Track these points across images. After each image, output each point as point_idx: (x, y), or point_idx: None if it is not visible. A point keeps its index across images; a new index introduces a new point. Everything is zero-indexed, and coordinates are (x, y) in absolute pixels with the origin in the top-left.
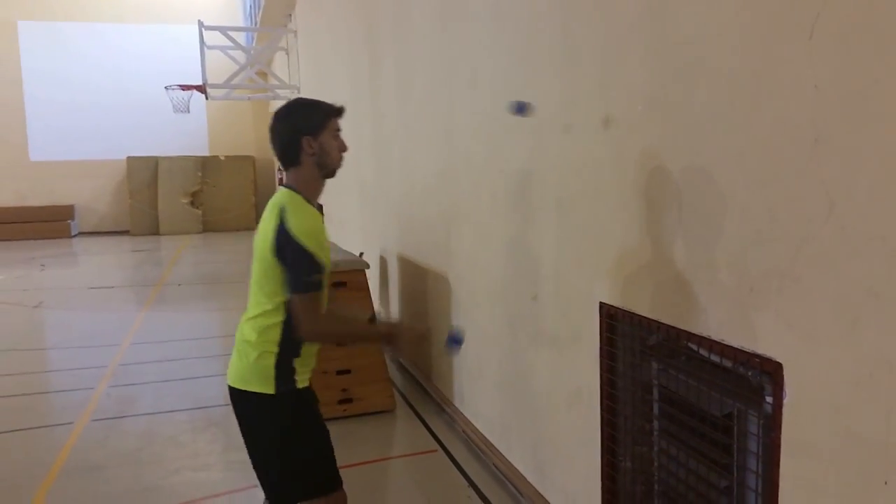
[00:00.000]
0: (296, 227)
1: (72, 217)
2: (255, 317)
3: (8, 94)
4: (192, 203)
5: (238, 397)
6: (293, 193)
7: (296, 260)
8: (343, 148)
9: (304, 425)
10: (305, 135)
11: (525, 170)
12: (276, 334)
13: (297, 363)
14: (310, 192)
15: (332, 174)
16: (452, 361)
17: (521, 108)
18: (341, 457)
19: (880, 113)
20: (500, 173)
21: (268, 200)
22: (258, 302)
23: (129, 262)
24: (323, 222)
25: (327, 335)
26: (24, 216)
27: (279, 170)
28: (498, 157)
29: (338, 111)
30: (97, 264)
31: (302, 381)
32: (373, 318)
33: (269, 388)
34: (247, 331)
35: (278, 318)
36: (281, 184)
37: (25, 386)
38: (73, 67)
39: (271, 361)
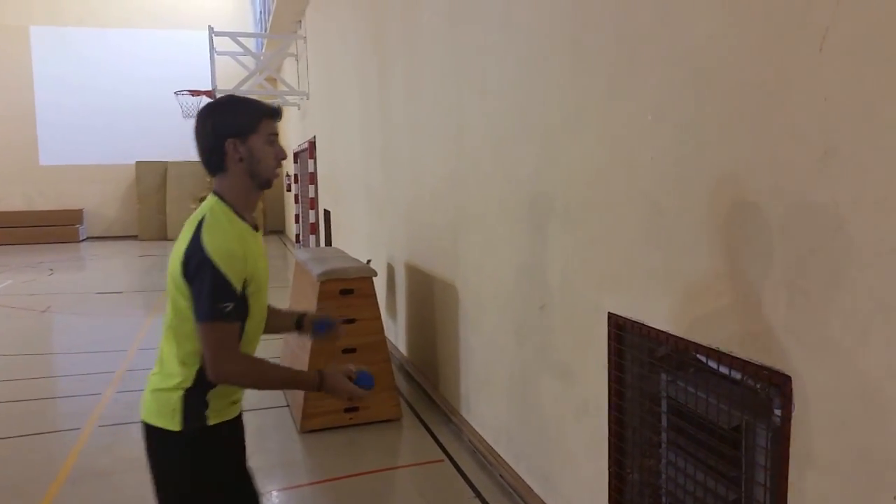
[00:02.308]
0: (211, 245)
1: (80, 221)
2: (171, 345)
3: (19, 99)
4: None
5: (144, 432)
6: (220, 203)
7: (205, 283)
8: (280, 155)
9: (211, 473)
10: (231, 137)
11: (533, 177)
12: (190, 363)
13: (211, 395)
14: (241, 204)
15: (266, 184)
16: (460, 370)
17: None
18: (347, 466)
19: (889, 125)
20: (508, 180)
21: (276, 206)
22: (171, 325)
23: (137, 267)
24: (256, 241)
25: (240, 376)
26: (32, 220)
27: (287, 175)
28: (506, 164)
29: (272, 113)
30: (105, 269)
31: (215, 415)
32: (301, 318)
33: (173, 425)
34: (162, 358)
35: (193, 345)
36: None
37: (33, 391)
38: (83, 72)
39: (178, 393)
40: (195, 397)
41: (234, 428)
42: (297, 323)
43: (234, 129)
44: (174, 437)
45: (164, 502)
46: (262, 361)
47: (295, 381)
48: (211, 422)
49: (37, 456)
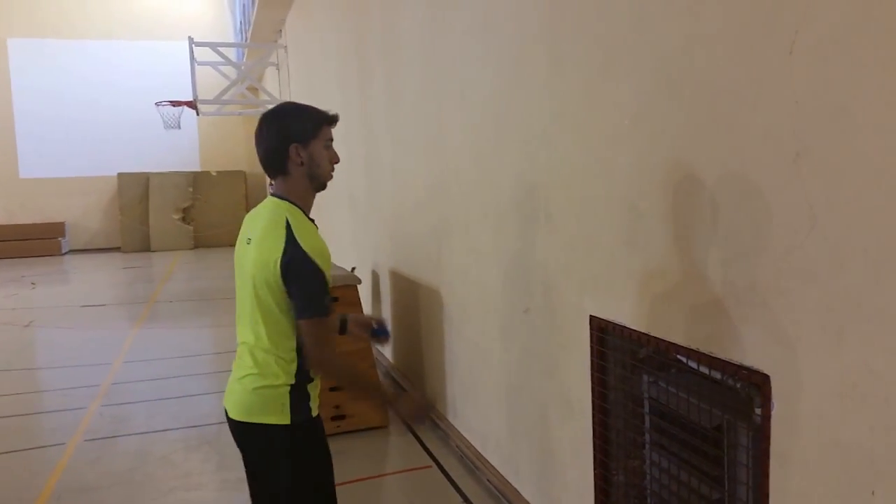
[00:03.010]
0: (308, 246)
1: (62, 234)
2: (266, 346)
3: None
4: (183, 219)
5: (245, 431)
6: (292, 206)
7: (311, 282)
8: (335, 159)
9: (319, 459)
10: (294, 142)
11: (514, 183)
12: (289, 359)
13: (310, 388)
14: (305, 205)
15: (322, 187)
16: (445, 376)
17: (381, 332)
18: (335, 474)
19: (859, 126)
20: (489, 187)
21: None
22: (264, 327)
23: (120, 279)
24: None
25: (336, 370)
26: (13, 234)
27: (270, 184)
28: (487, 171)
29: (331, 119)
30: (88, 282)
31: (315, 406)
32: (343, 322)
33: (283, 419)
34: (256, 358)
35: (293, 343)
36: (272, 195)
37: (17, 406)
38: (63, 84)
39: (286, 389)
40: (299, 391)
41: (321, 421)
42: (341, 325)
43: (298, 135)
44: (286, 430)
45: (289, 493)
46: (351, 362)
47: (372, 390)
48: (314, 412)
49: (22, 472)
